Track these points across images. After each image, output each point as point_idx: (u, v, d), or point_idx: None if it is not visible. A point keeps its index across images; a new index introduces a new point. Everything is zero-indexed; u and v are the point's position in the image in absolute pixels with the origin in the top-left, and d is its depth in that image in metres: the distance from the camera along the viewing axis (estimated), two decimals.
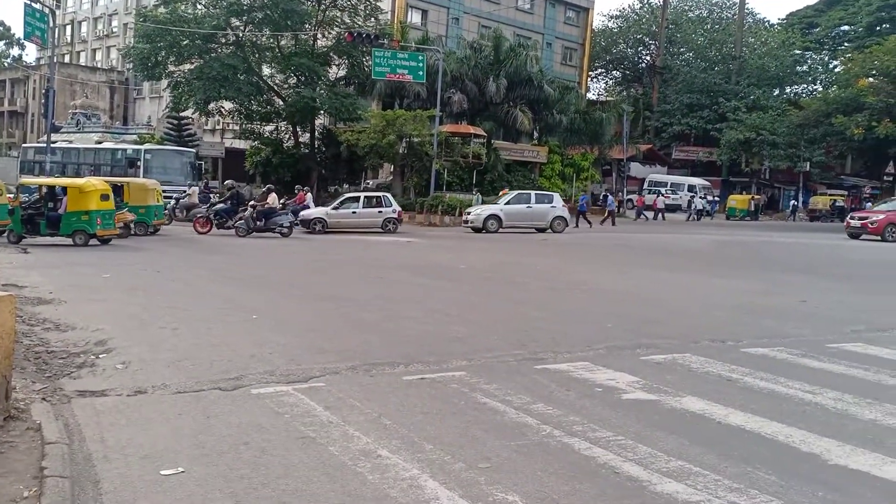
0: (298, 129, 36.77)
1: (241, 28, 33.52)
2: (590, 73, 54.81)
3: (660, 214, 38.56)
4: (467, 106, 34.17)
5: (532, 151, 37.10)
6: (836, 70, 49.06)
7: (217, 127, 46.21)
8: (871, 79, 37.58)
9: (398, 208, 24.91)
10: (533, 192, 27.34)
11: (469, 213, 25.65)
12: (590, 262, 16.95)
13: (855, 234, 27.31)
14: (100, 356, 6.50)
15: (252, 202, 21.75)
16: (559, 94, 36.82)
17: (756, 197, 44.88)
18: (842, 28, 53.12)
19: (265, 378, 5.90)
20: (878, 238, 25.82)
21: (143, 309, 8.92)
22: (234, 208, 21.73)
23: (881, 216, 26.92)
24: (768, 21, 60.43)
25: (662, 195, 42.58)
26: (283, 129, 37.70)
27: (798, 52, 52.42)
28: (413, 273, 13.51)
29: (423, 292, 11.24)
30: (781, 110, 44.84)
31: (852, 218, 28.42)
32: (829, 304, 11.10)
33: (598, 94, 60.31)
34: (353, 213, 23.95)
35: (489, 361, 6.64)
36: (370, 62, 31.05)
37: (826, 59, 54.13)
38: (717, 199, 46.02)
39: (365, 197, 25.13)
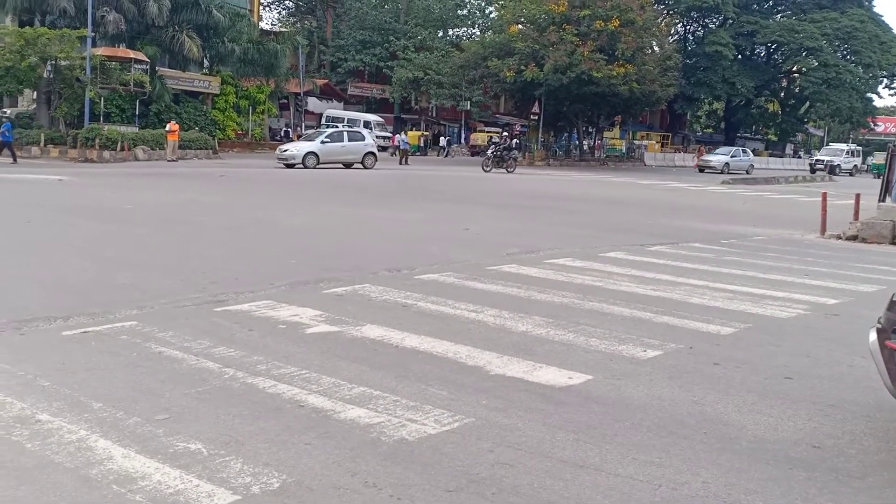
0: None
1: None
2: (261, 1, 52.92)
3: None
4: (125, 27, 30.98)
5: (203, 81, 35.10)
6: (492, 16, 53.40)
7: None
8: (520, 26, 41.56)
9: None
10: None
11: None
12: (269, 198, 16.68)
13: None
14: None
15: None
16: (230, 21, 35.08)
17: (425, 133, 47.76)
18: None
19: None
20: None
21: None
22: None
23: None
24: None
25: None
26: None
27: None
28: (71, 215, 12.10)
29: (84, 237, 10.13)
30: (445, 51, 47.80)
31: None
32: (487, 231, 12.32)
33: (272, 25, 58.69)
34: None
35: (164, 308, 6.23)
36: None
37: (483, 4, 58.50)
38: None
39: None
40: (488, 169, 29.97)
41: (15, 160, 23.67)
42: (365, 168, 27.94)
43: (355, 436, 3.77)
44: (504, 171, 30.06)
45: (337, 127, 46.04)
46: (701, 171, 41.55)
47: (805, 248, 12.28)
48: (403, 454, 3.58)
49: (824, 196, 14.46)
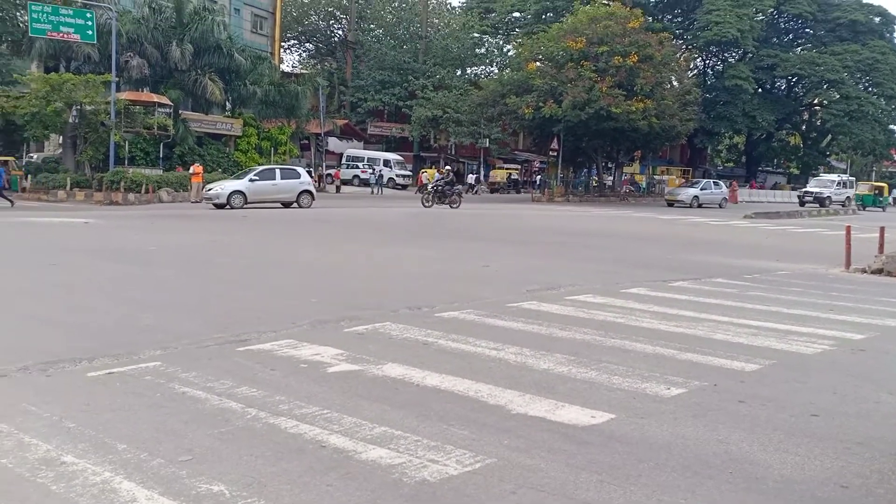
0: None
1: None
2: (282, 43, 54.03)
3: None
4: (149, 72, 31.73)
5: (225, 124, 35.77)
6: (510, 54, 54.06)
7: None
8: (538, 63, 41.98)
9: None
10: None
11: None
12: (289, 238, 16.84)
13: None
14: None
15: None
16: (252, 64, 35.82)
17: (443, 171, 48.15)
18: (514, 15, 58.42)
19: None
20: None
21: None
22: None
23: None
24: (450, 3, 64.63)
25: (360, 169, 44.53)
26: None
27: (477, 35, 56.69)
28: (96, 257, 12.28)
29: (108, 278, 10.28)
30: (464, 90, 48.38)
31: None
32: (507, 268, 12.32)
33: (293, 67, 59.88)
34: None
35: (187, 348, 6.28)
36: (26, 17, 27.42)
37: (501, 43, 59.34)
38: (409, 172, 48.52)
39: None
40: (429, 205, 27.94)
41: (11, 204, 23.16)
42: (301, 207, 25.82)
43: (377, 477, 3.76)
44: (447, 206, 27.99)
45: (357, 166, 46.92)
46: (670, 205, 39.97)
47: (829, 282, 12.14)
48: (425, 496, 3.56)
49: (848, 229, 14.32)
